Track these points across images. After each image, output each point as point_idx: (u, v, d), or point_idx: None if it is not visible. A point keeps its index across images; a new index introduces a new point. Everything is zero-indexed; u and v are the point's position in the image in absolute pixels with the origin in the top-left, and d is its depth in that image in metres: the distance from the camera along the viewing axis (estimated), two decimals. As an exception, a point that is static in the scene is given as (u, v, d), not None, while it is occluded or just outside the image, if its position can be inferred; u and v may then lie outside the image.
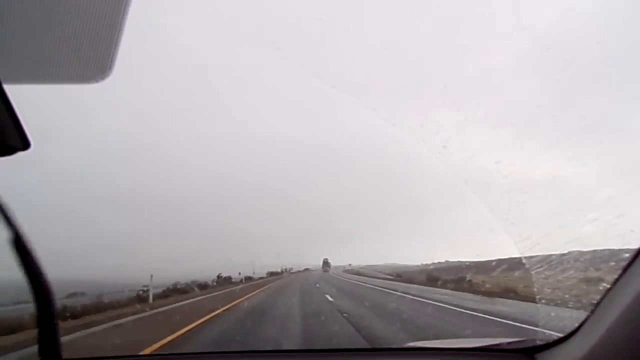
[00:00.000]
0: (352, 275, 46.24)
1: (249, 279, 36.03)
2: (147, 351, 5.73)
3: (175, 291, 20.40)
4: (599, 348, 1.06)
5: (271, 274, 48.31)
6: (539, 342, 1.42)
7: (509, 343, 1.61)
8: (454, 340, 1.94)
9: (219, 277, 30.02)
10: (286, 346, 5.93)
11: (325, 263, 73.82)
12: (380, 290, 20.46)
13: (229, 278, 31.25)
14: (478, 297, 14.27)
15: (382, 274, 42.87)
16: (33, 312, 1.40)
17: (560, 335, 1.31)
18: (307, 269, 77.23)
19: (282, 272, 53.88)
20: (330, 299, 14.78)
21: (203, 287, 24.91)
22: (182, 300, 16.32)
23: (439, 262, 44.45)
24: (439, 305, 11.57)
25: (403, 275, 36.02)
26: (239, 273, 34.34)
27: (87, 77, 0.98)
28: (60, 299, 12.77)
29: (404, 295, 15.03)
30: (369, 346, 5.80)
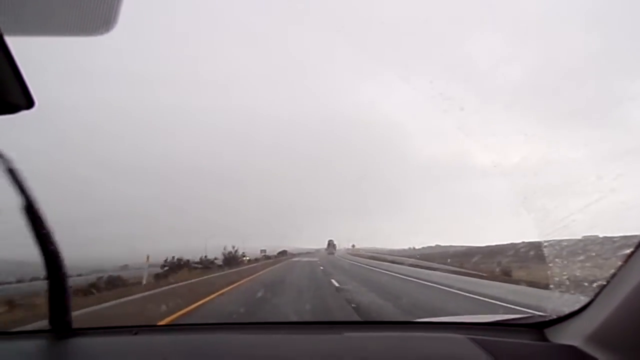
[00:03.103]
0: (371, 261, 32.16)
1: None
2: None
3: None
4: (610, 322, 1.03)
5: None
6: (547, 318, 1.39)
7: (517, 319, 1.59)
8: (462, 316, 1.93)
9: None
10: None
11: (331, 244, 69.93)
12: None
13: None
14: None
15: (428, 263, 24.35)
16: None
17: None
18: (282, 252, 54.72)
19: (199, 263, 23.38)
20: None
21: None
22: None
23: (429, 247, 42.94)
24: None
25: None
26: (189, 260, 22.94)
27: (90, 29, 0.96)
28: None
29: None
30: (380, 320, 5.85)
